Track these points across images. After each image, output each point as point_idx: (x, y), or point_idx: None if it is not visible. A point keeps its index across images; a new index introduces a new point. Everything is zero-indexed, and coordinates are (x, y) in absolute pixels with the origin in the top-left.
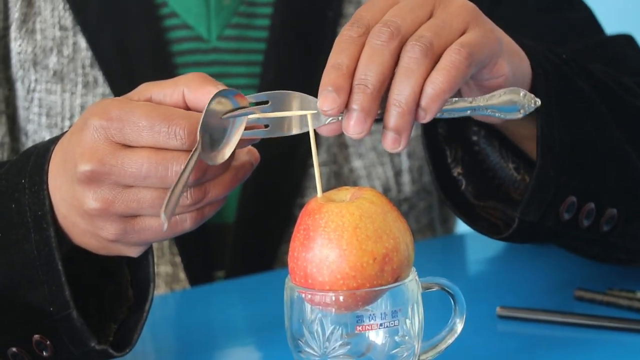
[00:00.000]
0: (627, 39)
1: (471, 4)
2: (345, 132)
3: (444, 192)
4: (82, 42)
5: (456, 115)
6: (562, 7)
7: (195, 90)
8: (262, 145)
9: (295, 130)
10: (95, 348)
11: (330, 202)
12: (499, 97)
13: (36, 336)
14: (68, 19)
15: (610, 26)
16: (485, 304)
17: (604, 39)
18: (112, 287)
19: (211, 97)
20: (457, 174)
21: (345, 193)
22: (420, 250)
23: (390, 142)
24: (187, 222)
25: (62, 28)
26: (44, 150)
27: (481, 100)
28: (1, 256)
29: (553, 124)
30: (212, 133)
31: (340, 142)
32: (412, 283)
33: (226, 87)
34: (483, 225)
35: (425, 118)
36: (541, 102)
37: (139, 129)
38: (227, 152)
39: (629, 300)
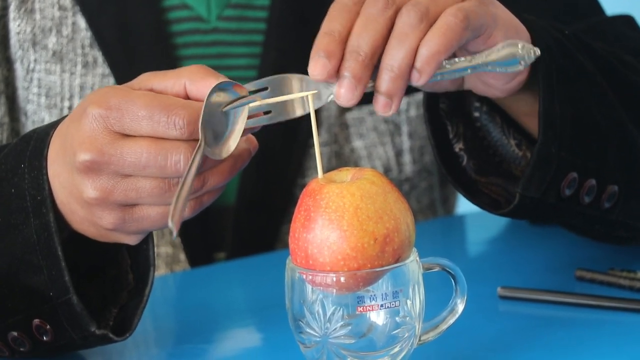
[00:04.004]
0: (627, 19)
1: None
2: (336, 100)
3: (446, 168)
4: (82, 22)
5: (457, 75)
6: None
7: (197, 82)
8: (263, 126)
9: (298, 113)
10: (95, 333)
11: (331, 182)
12: (498, 52)
13: (36, 320)
14: None
15: (609, 2)
16: (486, 284)
17: (604, 19)
18: (113, 271)
19: (209, 91)
20: (458, 150)
21: (346, 174)
22: (421, 231)
23: (382, 106)
24: (185, 211)
25: (61, 8)
26: (44, 135)
27: (480, 58)
28: (1, 240)
29: (554, 99)
30: (214, 127)
31: (341, 122)
32: (413, 264)
33: (226, 79)
34: (484, 200)
35: (420, 80)
36: (542, 78)
37: (138, 118)
38: (231, 144)
39: (630, 280)
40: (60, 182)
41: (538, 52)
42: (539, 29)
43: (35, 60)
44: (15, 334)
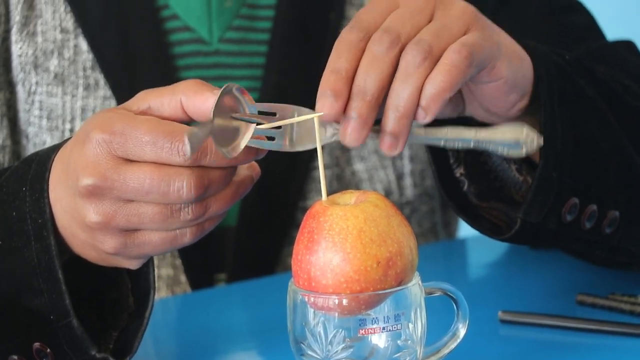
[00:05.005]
0: (628, 44)
1: (472, 7)
2: (342, 141)
3: (447, 193)
4: (83, 45)
5: (459, 145)
6: (563, 12)
7: (193, 97)
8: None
9: (300, 147)
10: (95, 356)
11: (334, 205)
12: (503, 134)
13: (36, 344)
14: (69, 22)
15: (609, 27)
16: (487, 308)
17: (605, 45)
18: (113, 294)
19: (222, 90)
20: (459, 175)
21: (349, 196)
22: (422, 255)
23: (387, 146)
24: (186, 237)
25: (63, 30)
26: (45, 158)
27: (485, 134)
28: (2, 263)
29: (555, 124)
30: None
31: (343, 145)
32: (416, 287)
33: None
34: (485, 225)
35: (426, 118)
36: (544, 103)
37: (142, 144)
38: (240, 144)
39: (631, 304)
40: (62, 206)
41: (541, 142)
42: (540, 55)
43: (36, 83)
44: (15, 357)
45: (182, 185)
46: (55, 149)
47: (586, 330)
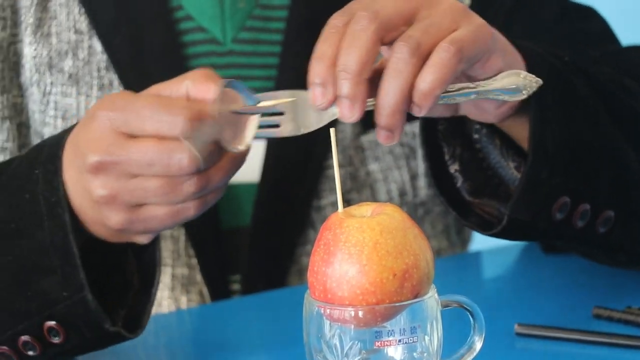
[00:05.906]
0: None
1: (460, 3)
2: (341, 120)
3: (440, 188)
4: (98, 46)
5: (460, 100)
6: (577, 17)
7: (199, 84)
8: (278, 147)
9: (305, 129)
10: (108, 330)
11: (351, 217)
12: (501, 81)
13: (51, 323)
14: (83, 23)
15: (621, 30)
16: (503, 321)
17: (618, 50)
18: (119, 279)
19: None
20: (454, 171)
21: (366, 208)
22: (437, 268)
23: (384, 138)
24: (191, 210)
25: (78, 32)
26: (58, 140)
27: (483, 85)
28: (13, 246)
29: (546, 123)
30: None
31: (357, 145)
32: (432, 300)
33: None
34: (474, 220)
35: (421, 113)
36: (535, 101)
37: (143, 118)
38: (248, 135)
39: None
40: (73, 184)
41: (540, 81)
42: (533, 55)
43: (51, 84)
44: (24, 338)
45: (183, 156)
46: (65, 133)
47: (602, 343)
